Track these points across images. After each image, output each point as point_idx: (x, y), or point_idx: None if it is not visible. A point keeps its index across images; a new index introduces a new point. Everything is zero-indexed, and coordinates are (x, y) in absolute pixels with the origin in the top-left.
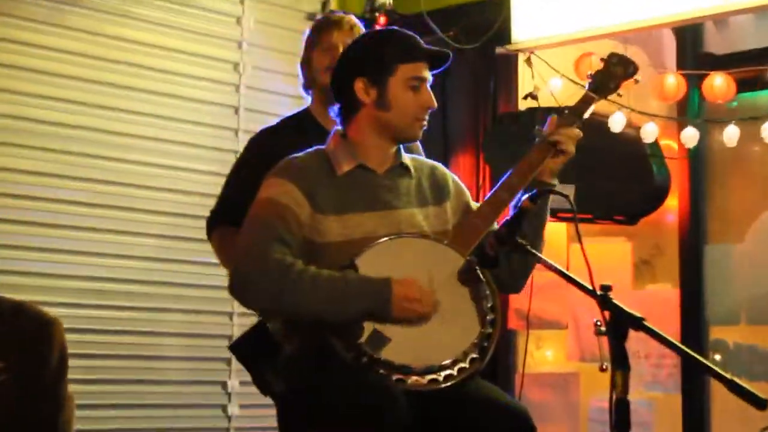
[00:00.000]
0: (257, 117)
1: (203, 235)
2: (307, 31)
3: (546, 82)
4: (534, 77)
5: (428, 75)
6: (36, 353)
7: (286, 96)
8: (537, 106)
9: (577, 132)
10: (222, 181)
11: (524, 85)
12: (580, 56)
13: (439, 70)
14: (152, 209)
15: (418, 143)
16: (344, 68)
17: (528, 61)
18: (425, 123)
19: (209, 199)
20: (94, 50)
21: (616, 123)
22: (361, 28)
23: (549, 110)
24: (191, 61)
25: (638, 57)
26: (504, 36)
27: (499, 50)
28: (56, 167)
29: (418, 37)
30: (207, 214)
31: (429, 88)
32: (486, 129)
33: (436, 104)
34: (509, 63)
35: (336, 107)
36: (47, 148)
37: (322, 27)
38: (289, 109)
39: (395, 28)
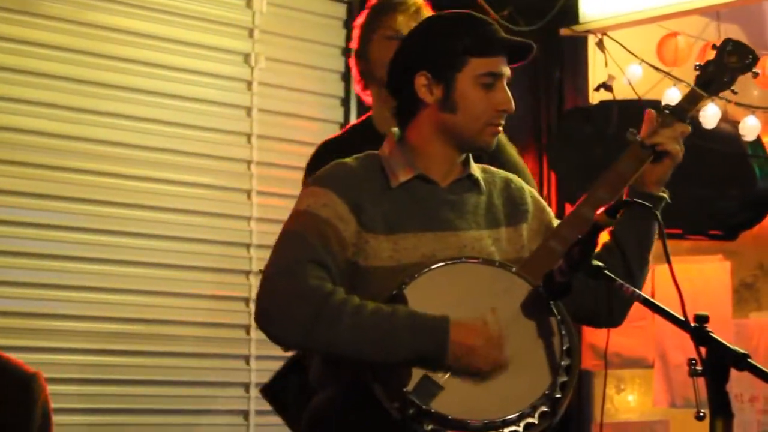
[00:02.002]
0: (273, 119)
1: (213, 262)
2: (362, 16)
3: (623, 70)
4: (608, 64)
5: (506, 70)
6: (16, 415)
7: (307, 93)
8: (612, 98)
9: (682, 128)
10: (234, 196)
11: (596, 74)
12: (663, 37)
13: (518, 63)
14: (149, 233)
15: None
16: (404, 60)
17: (600, 44)
18: (499, 129)
19: (218, 219)
20: (73, 42)
21: (710, 117)
22: (428, 11)
23: (626, 104)
24: (192, 54)
25: (734, 36)
26: (570, 14)
27: (564, 32)
28: (34, 185)
29: (495, 24)
30: (217, 238)
31: (506, 87)
32: (550, 128)
33: (513, 106)
34: (577, 47)
35: (394, 106)
36: (24, 162)
37: (383, 9)
38: (312, 109)
39: (468, 12)
